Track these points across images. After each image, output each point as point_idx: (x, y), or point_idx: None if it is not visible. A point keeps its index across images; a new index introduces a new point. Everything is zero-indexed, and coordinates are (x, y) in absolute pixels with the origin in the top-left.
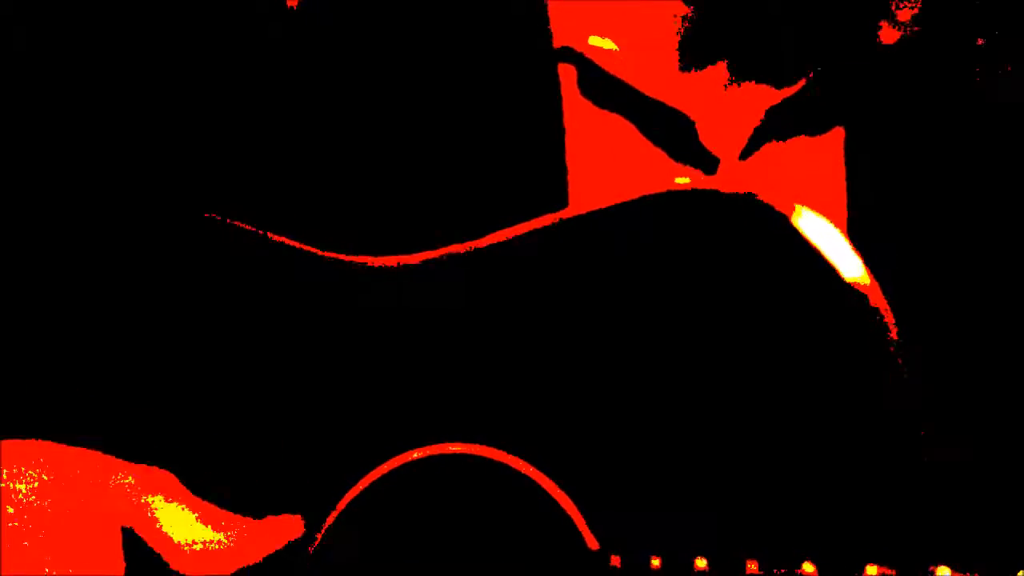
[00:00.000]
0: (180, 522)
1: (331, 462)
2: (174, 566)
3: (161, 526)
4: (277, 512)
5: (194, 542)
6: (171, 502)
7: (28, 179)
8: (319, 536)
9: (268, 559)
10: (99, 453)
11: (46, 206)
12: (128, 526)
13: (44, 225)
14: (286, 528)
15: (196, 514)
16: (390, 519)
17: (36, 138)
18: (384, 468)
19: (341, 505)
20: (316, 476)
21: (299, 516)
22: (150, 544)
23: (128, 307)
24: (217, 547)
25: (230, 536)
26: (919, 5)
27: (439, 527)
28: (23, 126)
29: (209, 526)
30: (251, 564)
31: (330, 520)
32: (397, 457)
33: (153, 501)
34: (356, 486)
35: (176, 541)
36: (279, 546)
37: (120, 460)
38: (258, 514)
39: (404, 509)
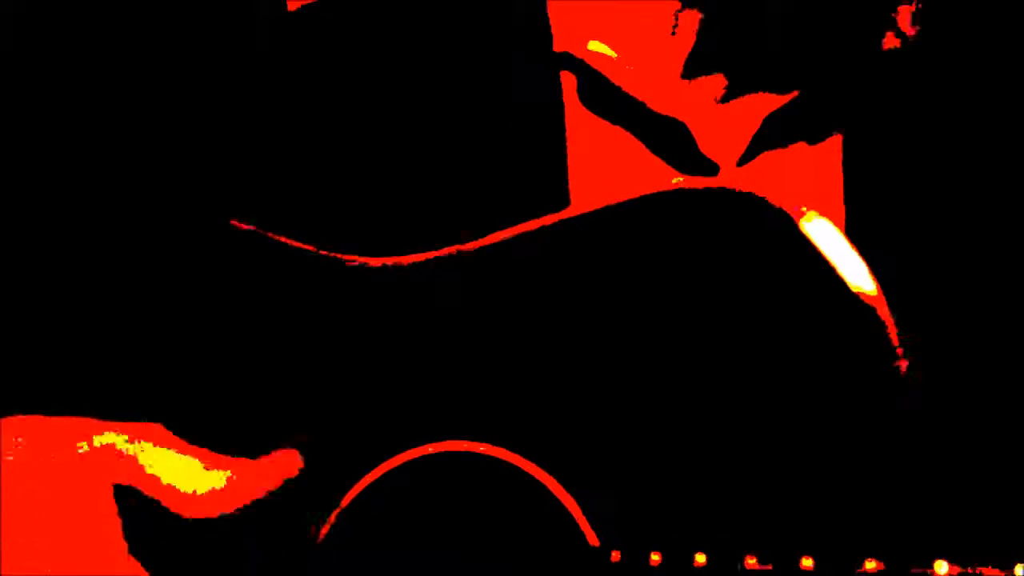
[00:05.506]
0: (172, 466)
1: (333, 460)
2: (174, 509)
3: (151, 471)
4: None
5: (191, 485)
6: (160, 447)
7: (41, 185)
8: (323, 532)
9: (268, 555)
10: (77, 418)
11: (58, 208)
12: (117, 481)
13: (54, 226)
14: (284, 464)
15: (189, 457)
16: (392, 516)
17: (50, 142)
18: (386, 466)
19: (344, 502)
20: (319, 473)
21: (296, 451)
22: (144, 491)
23: (136, 297)
24: (214, 487)
25: (227, 476)
26: (919, 5)
27: (441, 523)
28: (33, 135)
29: (204, 467)
30: (250, 502)
31: (333, 517)
32: (399, 455)
33: (140, 449)
34: (358, 483)
35: (169, 484)
36: (278, 483)
37: (100, 421)
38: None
39: (406, 506)
